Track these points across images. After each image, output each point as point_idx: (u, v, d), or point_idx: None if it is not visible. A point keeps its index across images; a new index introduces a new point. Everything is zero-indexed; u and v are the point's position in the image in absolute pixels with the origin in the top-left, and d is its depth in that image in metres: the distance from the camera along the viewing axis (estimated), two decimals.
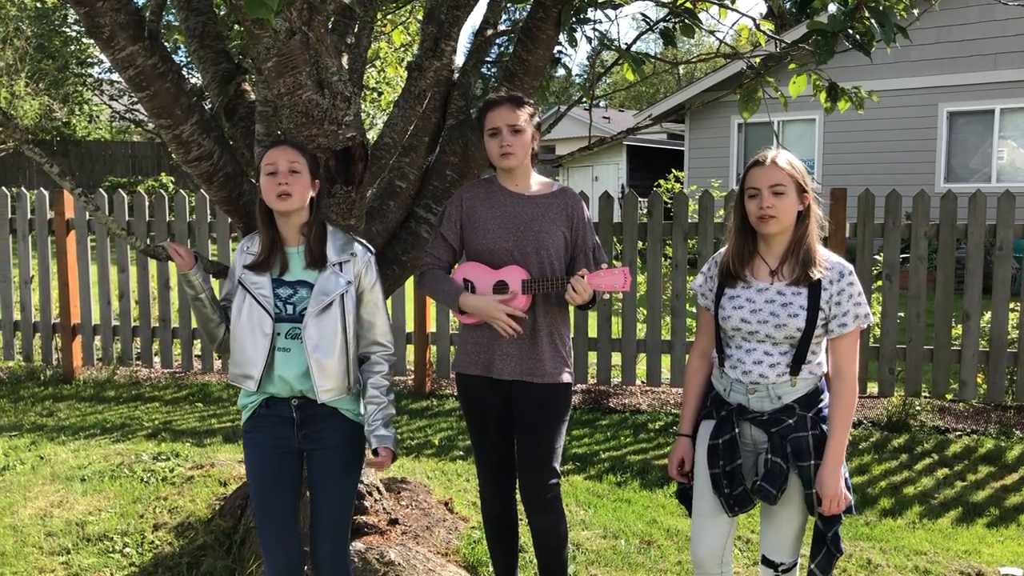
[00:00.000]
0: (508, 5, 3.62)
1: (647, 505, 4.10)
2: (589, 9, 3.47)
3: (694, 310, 2.72)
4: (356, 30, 3.24)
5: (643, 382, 6.00)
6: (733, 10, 3.92)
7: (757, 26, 3.90)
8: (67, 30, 19.72)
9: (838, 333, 2.32)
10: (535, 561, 3.00)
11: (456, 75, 3.44)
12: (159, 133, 3.05)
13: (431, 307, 6.10)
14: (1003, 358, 5.32)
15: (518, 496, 2.89)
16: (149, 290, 6.33)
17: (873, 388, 5.73)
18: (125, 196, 6.25)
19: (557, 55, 3.62)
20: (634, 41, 3.78)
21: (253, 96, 3.32)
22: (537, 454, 2.75)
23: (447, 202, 2.89)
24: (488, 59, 3.64)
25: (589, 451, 4.88)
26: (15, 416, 5.47)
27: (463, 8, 3.30)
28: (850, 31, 3.04)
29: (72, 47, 20.08)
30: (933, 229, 5.34)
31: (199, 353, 6.53)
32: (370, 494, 3.49)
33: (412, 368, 6.33)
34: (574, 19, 3.36)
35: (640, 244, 5.80)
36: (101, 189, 6.90)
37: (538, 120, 2.80)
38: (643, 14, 3.79)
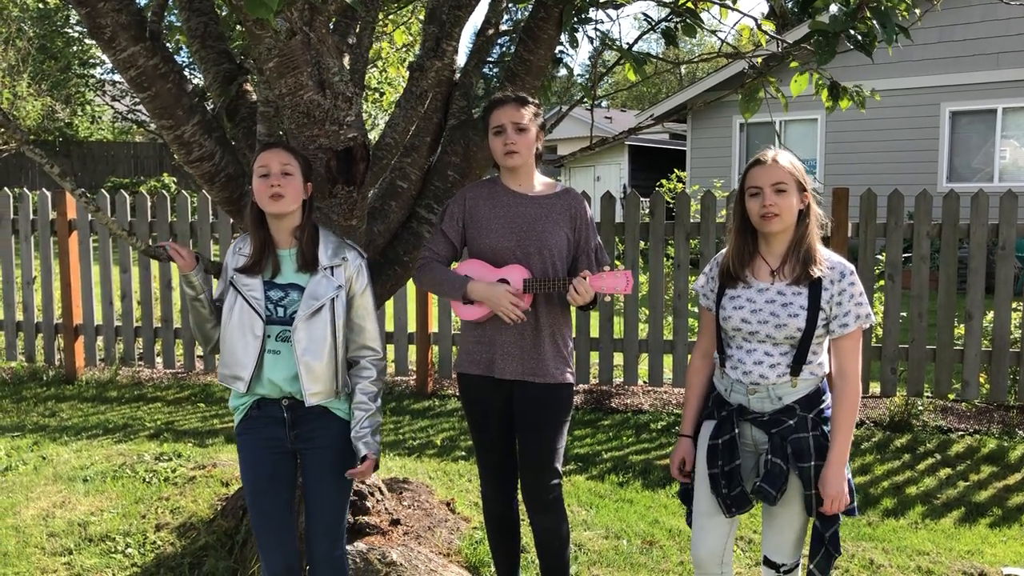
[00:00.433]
0: (509, 5, 3.62)
1: (649, 505, 4.10)
2: (591, 9, 3.47)
3: (696, 310, 2.72)
4: (358, 30, 3.24)
5: (645, 382, 5.99)
6: (735, 10, 3.92)
7: (759, 26, 3.89)
8: (69, 31, 19.75)
9: (840, 333, 2.32)
10: (537, 561, 2.99)
11: (458, 75, 3.44)
12: (161, 134, 3.05)
13: (433, 307, 6.10)
14: (1005, 358, 5.31)
15: (520, 496, 2.89)
16: (151, 290, 6.34)
17: (875, 388, 5.72)
18: (127, 197, 6.26)
19: (559, 55, 3.62)
20: (636, 41, 3.77)
21: (255, 97, 3.32)
22: (539, 454, 2.75)
23: (449, 200, 2.89)
24: (490, 59, 3.64)
25: (591, 451, 4.88)
26: (18, 416, 5.48)
27: (464, 8, 3.30)
28: (852, 31, 3.04)
29: (74, 48, 20.11)
30: (935, 229, 5.33)
31: (201, 353, 6.54)
32: (372, 494, 3.49)
33: (414, 368, 6.33)
34: (576, 19, 3.36)
35: (642, 244, 5.80)
36: (103, 190, 6.90)
37: (542, 119, 2.80)
38: (645, 14, 3.78)
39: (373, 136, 13.03)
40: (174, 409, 5.70)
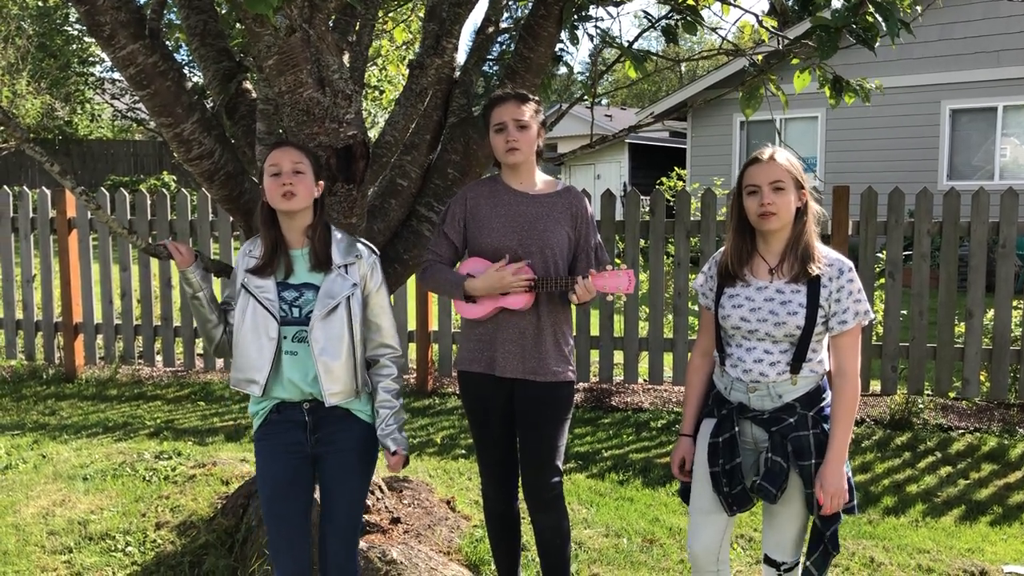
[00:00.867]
0: (510, 3, 3.62)
1: (649, 503, 4.10)
2: (591, 6, 3.46)
3: (696, 308, 2.72)
4: (357, 28, 3.23)
5: (645, 380, 5.99)
6: (736, 7, 3.91)
7: (760, 22, 3.88)
8: (69, 29, 19.75)
9: (839, 330, 2.31)
10: (537, 559, 2.99)
11: (458, 73, 3.43)
12: (160, 132, 3.04)
13: (433, 305, 6.10)
14: (1006, 356, 5.31)
15: (520, 494, 2.89)
16: (151, 289, 6.33)
17: (876, 386, 5.71)
18: (127, 195, 6.26)
19: (559, 53, 3.61)
20: (636, 38, 3.77)
21: (254, 94, 3.32)
22: (539, 452, 2.75)
23: (451, 200, 2.89)
24: (490, 57, 3.63)
25: (591, 449, 4.88)
26: (17, 415, 5.48)
27: (465, 6, 3.29)
28: (854, 26, 3.03)
29: (74, 46, 20.11)
30: (936, 227, 5.33)
31: (201, 352, 6.53)
32: (372, 493, 3.49)
33: (414, 366, 6.32)
34: (576, 16, 3.36)
35: (642, 242, 5.79)
36: (103, 188, 6.89)
37: (543, 117, 2.80)
38: (645, 11, 3.78)
39: (373, 134, 13.03)
40: (174, 407, 5.70)
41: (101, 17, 2.74)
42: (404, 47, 8.07)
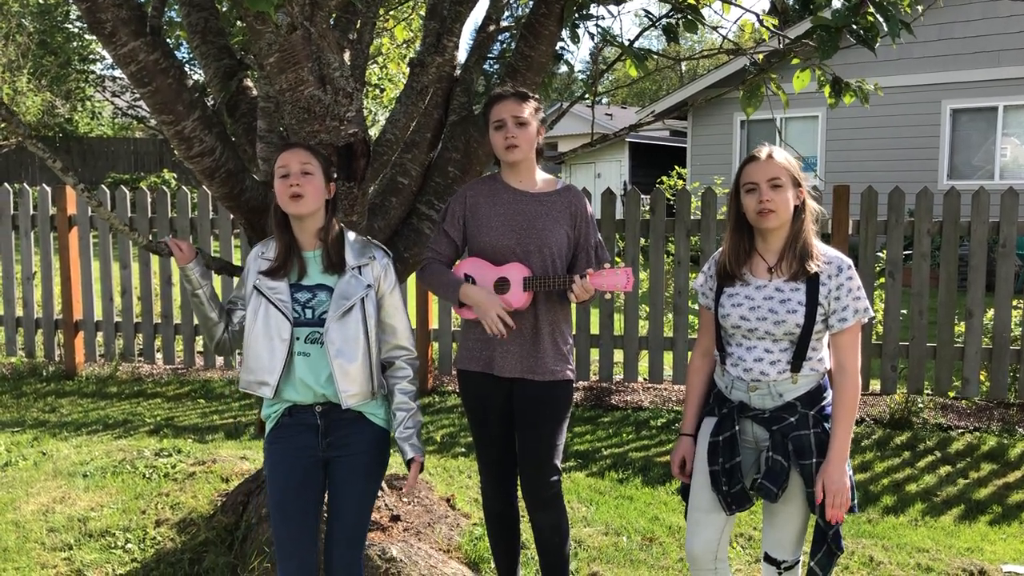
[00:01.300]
0: (511, 1, 3.61)
1: (649, 502, 4.10)
2: (592, 5, 3.46)
3: (696, 307, 2.72)
4: (358, 26, 3.23)
5: (645, 379, 6.00)
6: (736, 6, 3.91)
7: (760, 22, 3.88)
8: (69, 26, 19.75)
9: (838, 328, 2.32)
10: (537, 558, 2.99)
11: (458, 71, 3.44)
12: (161, 129, 3.04)
13: (433, 304, 6.10)
14: (1006, 355, 5.31)
15: (520, 493, 2.89)
16: (151, 286, 6.34)
17: (876, 385, 5.72)
18: (127, 192, 6.26)
19: (559, 51, 3.61)
20: (637, 37, 3.77)
21: (255, 92, 3.32)
22: (538, 451, 2.75)
23: (451, 198, 2.89)
24: (490, 55, 3.64)
25: (591, 448, 4.88)
26: (18, 412, 5.48)
27: (466, 4, 3.30)
28: (854, 26, 3.03)
29: (74, 43, 20.12)
30: (936, 226, 5.33)
31: (201, 349, 6.53)
32: None
33: None
34: (577, 15, 3.36)
35: (643, 241, 5.79)
36: (103, 185, 6.89)
37: (543, 115, 2.80)
38: (646, 10, 3.78)
39: (373, 132, 13.02)
40: (174, 405, 5.70)
41: (102, 14, 2.74)
42: (405, 45, 8.06)
